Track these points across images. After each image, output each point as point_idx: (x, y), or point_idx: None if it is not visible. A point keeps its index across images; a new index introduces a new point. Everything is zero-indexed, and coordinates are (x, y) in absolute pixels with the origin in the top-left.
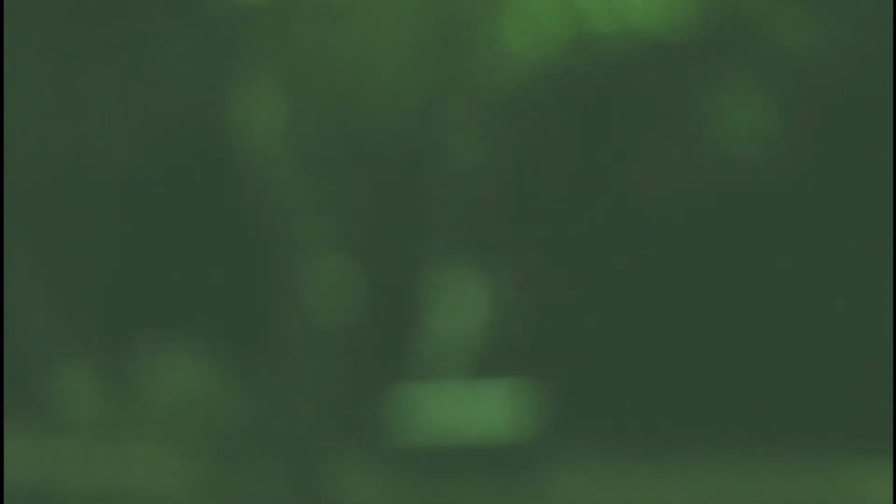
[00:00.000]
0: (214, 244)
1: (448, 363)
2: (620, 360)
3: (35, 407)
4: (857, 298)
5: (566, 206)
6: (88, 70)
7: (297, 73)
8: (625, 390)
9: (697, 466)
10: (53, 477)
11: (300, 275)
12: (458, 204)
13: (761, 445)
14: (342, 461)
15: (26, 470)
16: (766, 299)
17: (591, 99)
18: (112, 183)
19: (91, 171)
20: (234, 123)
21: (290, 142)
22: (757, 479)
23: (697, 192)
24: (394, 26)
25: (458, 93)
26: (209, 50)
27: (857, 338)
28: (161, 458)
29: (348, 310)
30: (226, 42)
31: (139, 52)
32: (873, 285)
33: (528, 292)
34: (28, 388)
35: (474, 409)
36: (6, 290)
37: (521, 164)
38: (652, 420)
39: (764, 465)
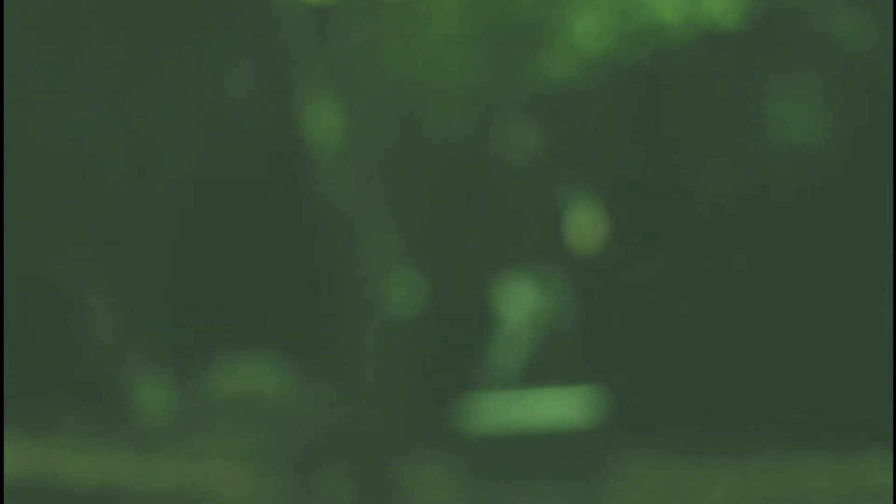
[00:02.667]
0: (282, 255)
1: (512, 372)
2: (674, 360)
3: (113, 418)
4: None
5: (627, 200)
6: (151, 80)
7: (357, 78)
8: (669, 391)
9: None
10: (126, 484)
11: (367, 287)
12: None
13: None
14: (412, 469)
15: (103, 474)
16: (824, 298)
17: (649, 89)
18: (178, 195)
19: (157, 183)
20: (299, 132)
21: (352, 150)
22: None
23: (755, 180)
24: (454, 24)
25: (518, 88)
26: (274, 52)
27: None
28: (234, 469)
29: (415, 322)
30: (290, 44)
31: (203, 56)
32: None
33: (585, 294)
34: (106, 400)
35: (538, 414)
36: (80, 305)
37: (580, 159)
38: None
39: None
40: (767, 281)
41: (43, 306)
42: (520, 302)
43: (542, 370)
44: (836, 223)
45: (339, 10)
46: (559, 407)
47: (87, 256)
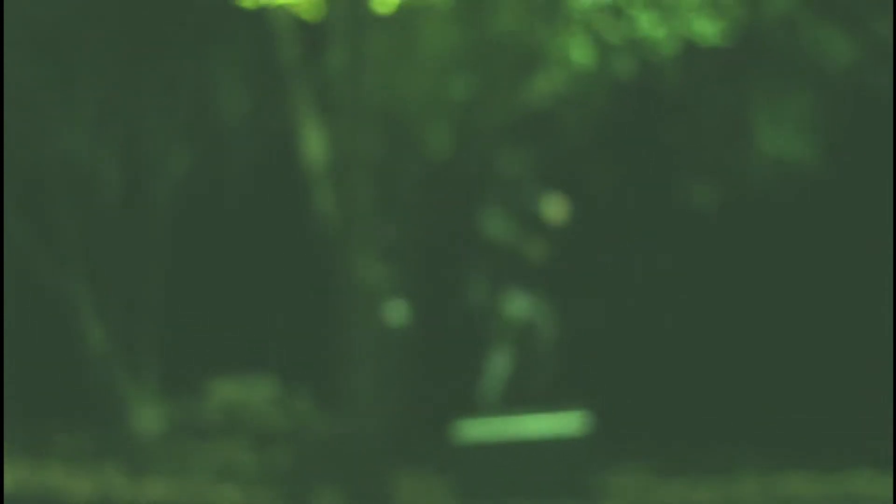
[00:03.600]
0: (275, 272)
1: (502, 396)
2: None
3: (108, 436)
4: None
5: (617, 215)
6: (145, 97)
7: (346, 95)
8: (655, 410)
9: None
10: (119, 499)
11: (358, 304)
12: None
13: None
14: (404, 484)
15: (96, 489)
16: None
17: (635, 104)
18: (172, 212)
19: (152, 201)
20: (292, 148)
21: (340, 166)
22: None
23: (739, 193)
24: (439, 39)
25: (504, 103)
26: (266, 68)
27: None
28: (226, 485)
29: (406, 338)
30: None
31: (197, 73)
32: None
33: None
34: (101, 418)
35: (527, 431)
36: (83, 331)
37: (572, 175)
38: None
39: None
40: (752, 297)
41: (38, 323)
42: (509, 320)
43: (529, 389)
44: (822, 237)
45: (329, 26)
46: (548, 425)
47: (82, 275)
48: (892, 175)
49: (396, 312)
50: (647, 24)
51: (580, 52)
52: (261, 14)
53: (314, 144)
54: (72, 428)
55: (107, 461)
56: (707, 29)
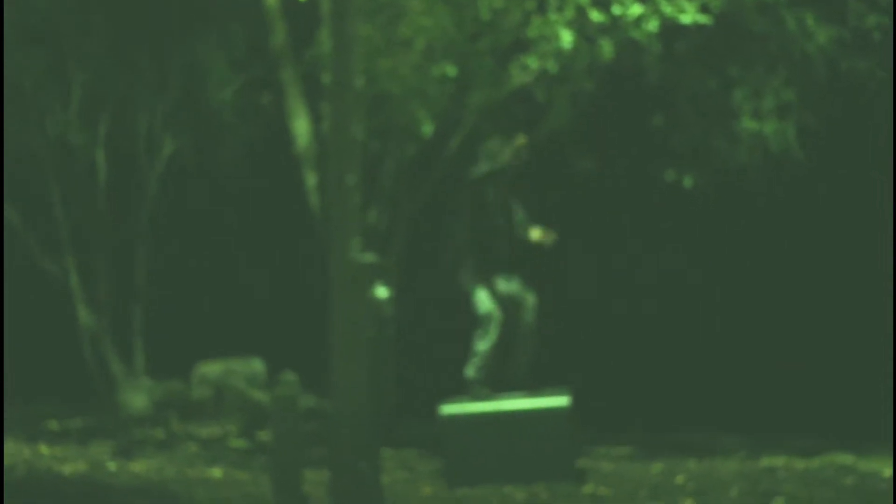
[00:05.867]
0: (263, 261)
1: (487, 379)
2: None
3: (99, 419)
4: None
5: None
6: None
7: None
8: (635, 396)
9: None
10: (110, 480)
11: (345, 292)
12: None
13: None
14: (392, 467)
15: (87, 470)
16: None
17: (621, 88)
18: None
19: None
20: (283, 135)
21: (327, 153)
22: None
23: (723, 174)
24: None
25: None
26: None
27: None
28: (214, 467)
29: (392, 326)
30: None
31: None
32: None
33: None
34: (92, 402)
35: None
36: (73, 314)
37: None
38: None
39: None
40: (733, 280)
41: (29, 305)
42: (493, 310)
43: (512, 371)
44: (804, 222)
45: (317, 9)
46: (531, 406)
47: (72, 258)
48: (873, 160)
49: (382, 295)
50: (628, 2)
51: (565, 34)
52: None
53: (302, 128)
54: (61, 407)
55: (95, 440)
56: (686, 6)
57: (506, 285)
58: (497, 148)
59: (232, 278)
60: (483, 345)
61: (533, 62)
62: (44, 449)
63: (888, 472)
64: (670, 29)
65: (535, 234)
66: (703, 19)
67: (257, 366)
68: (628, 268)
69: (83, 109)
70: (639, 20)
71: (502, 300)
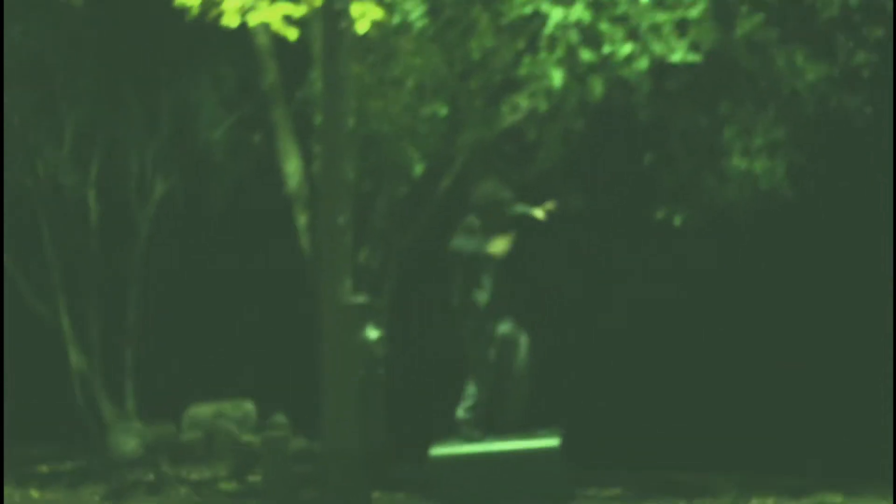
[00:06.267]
0: (255, 299)
1: (478, 420)
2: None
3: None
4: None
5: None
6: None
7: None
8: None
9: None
10: None
11: (340, 334)
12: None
13: None
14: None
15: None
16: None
17: (611, 126)
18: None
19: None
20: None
21: (318, 191)
22: None
23: (713, 212)
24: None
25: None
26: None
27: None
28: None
29: (386, 369)
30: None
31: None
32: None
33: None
34: (84, 444)
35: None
36: (64, 356)
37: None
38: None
39: None
40: (724, 319)
41: (21, 347)
42: (486, 351)
43: (505, 412)
44: (793, 259)
45: (309, 49)
46: (523, 448)
47: (63, 299)
48: (863, 196)
49: (373, 336)
50: (618, 41)
51: (555, 73)
52: (241, 38)
53: (293, 168)
54: (52, 450)
55: (86, 484)
56: (675, 45)
57: (499, 326)
58: (475, 225)
59: (223, 320)
60: (475, 386)
61: (523, 101)
62: (34, 493)
63: None
64: (660, 67)
65: (496, 247)
66: (692, 58)
67: (248, 408)
68: (619, 306)
69: (75, 150)
70: (629, 59)
71: (495, 341)
